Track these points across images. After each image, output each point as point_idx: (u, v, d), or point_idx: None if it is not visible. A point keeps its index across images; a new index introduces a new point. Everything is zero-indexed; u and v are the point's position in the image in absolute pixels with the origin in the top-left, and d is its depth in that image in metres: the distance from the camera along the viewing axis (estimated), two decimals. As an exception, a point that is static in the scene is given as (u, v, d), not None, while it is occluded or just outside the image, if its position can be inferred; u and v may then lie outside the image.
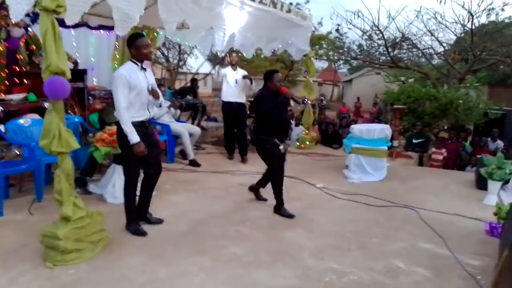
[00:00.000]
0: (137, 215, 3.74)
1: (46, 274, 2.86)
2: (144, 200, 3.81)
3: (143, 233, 3.57)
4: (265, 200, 4.68)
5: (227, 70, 6.82)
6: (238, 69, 6.89)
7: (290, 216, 4.21)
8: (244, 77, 6.82)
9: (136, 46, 3.39)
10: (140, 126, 3.42)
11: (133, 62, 3.43)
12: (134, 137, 3.31)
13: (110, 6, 3.43)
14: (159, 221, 3.89)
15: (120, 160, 3.56)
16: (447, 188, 5.67)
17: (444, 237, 3.76)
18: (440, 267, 3.21)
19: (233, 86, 6.78)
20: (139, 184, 3.73)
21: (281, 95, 4.21)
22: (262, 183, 4.67)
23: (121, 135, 3.39)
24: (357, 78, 28.61)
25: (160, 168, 3.80)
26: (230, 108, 6.86)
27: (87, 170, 4.79)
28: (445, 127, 10.64)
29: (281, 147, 4.24)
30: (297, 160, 7.08)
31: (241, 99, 6.91)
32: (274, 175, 4.31)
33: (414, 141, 9.05)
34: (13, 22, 5.75)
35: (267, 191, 4.46)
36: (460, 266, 3.21)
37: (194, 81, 11.64)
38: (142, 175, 3.75)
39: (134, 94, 3.35)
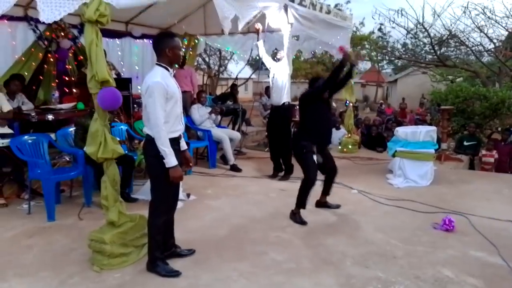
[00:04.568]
0: (163, 249, 3.18)
1: (93, 277, 2.97)
2: (168, 230, 3.22)
3: (177, 273, 3.03)
4: (338, 206, 4.60)
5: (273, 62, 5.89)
6: (282, 61, 5.75)
7: (303, 223, 4.09)
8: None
9: (170, 47, 2.89)
10: (174, 144, 2.92)
11: (163, 67, 2.91)
12: (172, 160, 2.81)
13: (152, 15, 3.51)
14: (191, 252, 3.37)
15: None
16: (499, 193, 5.36)
17: (497, 245, 3.56)
18: (492, 276, 3.04)
19: (272, 83, 5.85)
20: None
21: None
22: (325, 191, 4.57)
23: (151, 154, 2.89)
24: (402, 78, 27.84)
25: (177, 197, 3.32)
26: (270, 113, 6.23)
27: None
28: (499, 129, 10.08)
29: (315, 157, 4.11)
30: (339, 165, 6.76)
31: (278, 100, 5.79)
32: (304, 182, 4.16)
33: (465, 143, 8.61)
34: (62, 34, 6.10)
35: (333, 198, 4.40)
36: (515, 277, 3.02)
37: (233, 86, 11.80)
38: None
39: (171, 105, 2.86)
